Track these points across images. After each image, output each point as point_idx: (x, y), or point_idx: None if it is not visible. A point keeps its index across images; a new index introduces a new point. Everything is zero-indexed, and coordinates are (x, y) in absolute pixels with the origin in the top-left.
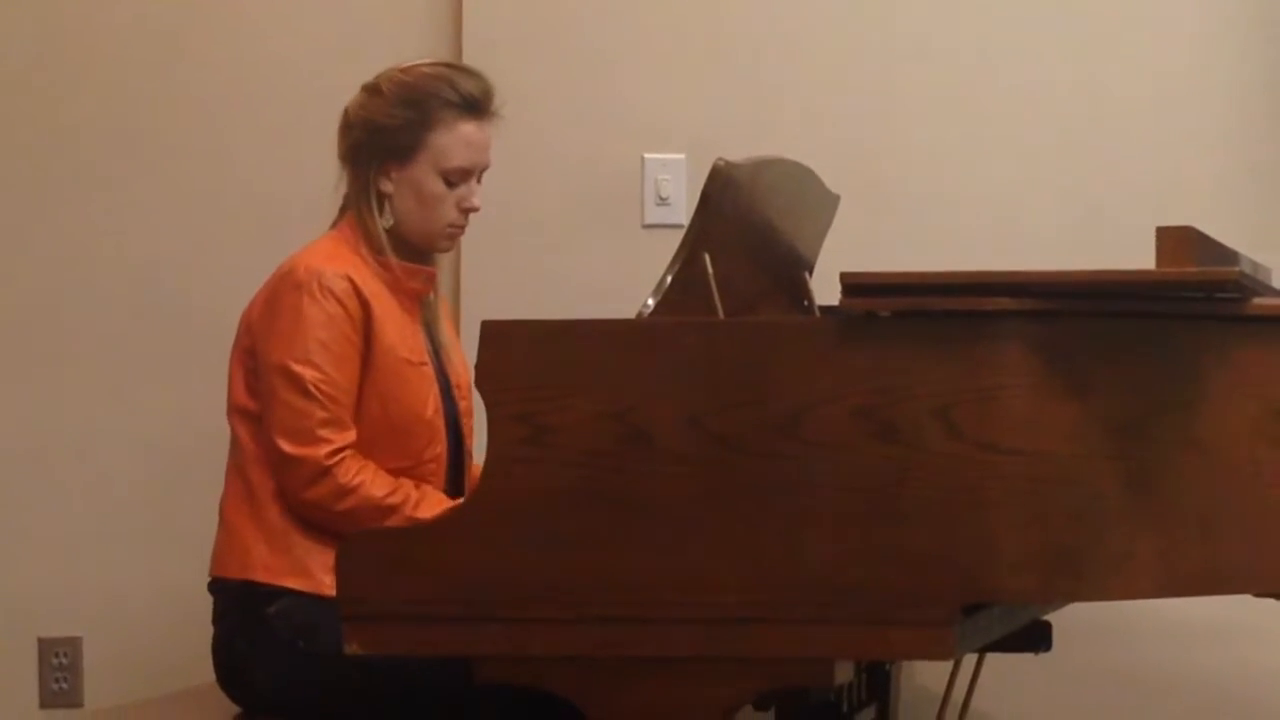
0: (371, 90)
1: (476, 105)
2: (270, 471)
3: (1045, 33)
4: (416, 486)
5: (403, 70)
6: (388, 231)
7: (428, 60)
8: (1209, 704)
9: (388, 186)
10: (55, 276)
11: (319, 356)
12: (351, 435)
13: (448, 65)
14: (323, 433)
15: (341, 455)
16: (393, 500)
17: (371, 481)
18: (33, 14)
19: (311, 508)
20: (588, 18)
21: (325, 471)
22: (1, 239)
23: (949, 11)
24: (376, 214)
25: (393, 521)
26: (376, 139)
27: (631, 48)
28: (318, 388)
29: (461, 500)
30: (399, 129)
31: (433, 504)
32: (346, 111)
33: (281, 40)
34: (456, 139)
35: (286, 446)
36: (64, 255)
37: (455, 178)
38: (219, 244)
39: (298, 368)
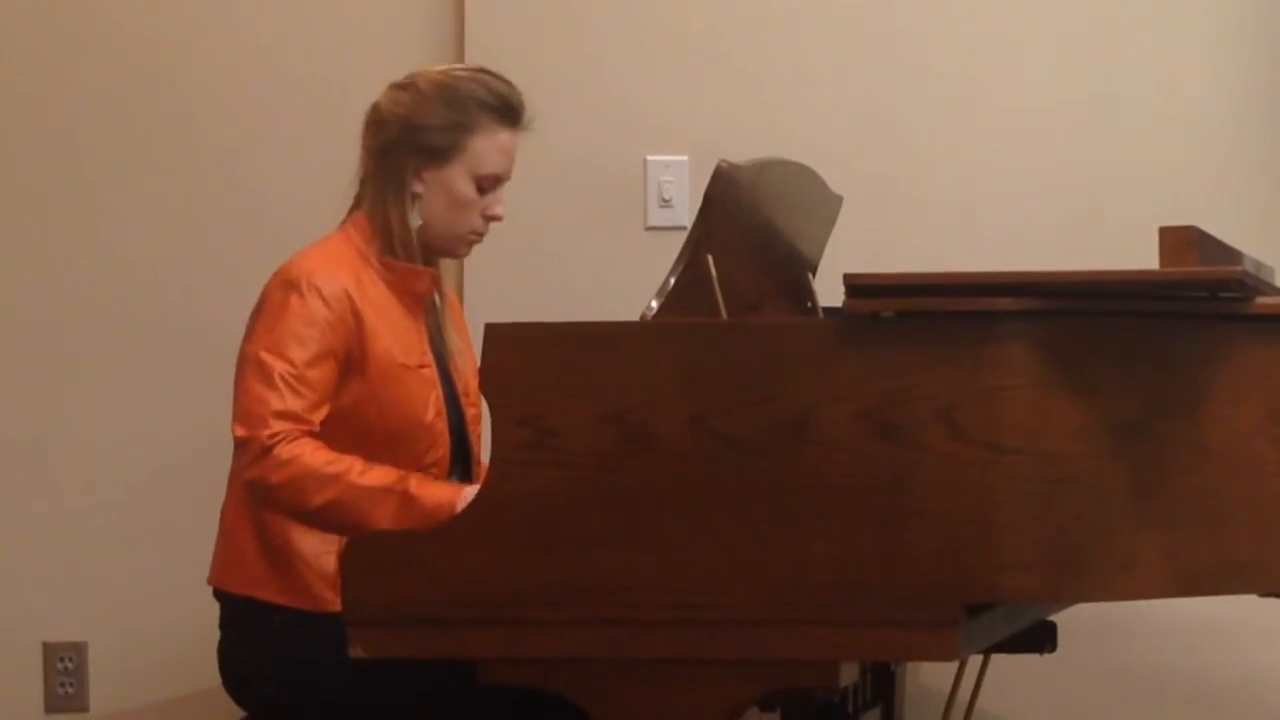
0: (408, 88)
1: (515, 114)
2: None
3: (1048, 33)
4: (363, 459)
5: (440, 71)
6: None
7: (461, 65)
8: (1215, 704)
9: (418, 187)
10: (60, 281)
11: (292, 350)
12: (304, 427)
13: (485, 71)
14: (273, 420)
15: (283, 435)
16: (333, 469)
17: (311, 453)
18: (34, 17)
19: (254, 489)
20: (590, 19)
21: (265, 450)
22: (7, 246)
23: (952, 13)
24: (409, 213)
25: (335, 491)
26: (414, 137)
27: (634, 49)
28: (284, 379)
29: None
30: (439, 129)
31: (381, 475)
32: (378, 107)
33: (283, 44)
34: (494, 145)
35: (238, 430)
36: (69, 261)
37: (487, 184)
38: (227, 248)
39: (269, 357)
